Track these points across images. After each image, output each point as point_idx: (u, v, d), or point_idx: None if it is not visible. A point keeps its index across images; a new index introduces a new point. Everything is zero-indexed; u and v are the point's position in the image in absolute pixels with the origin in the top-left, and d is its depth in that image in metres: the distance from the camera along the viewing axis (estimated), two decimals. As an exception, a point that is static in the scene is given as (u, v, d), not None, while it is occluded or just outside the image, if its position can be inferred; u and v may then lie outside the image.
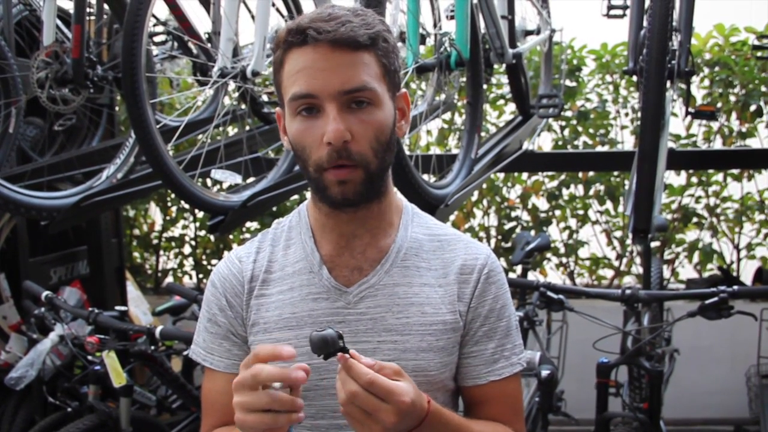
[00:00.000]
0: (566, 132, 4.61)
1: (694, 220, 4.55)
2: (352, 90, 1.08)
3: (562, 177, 4.59)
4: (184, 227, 4.85)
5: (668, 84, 2.72)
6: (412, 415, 1.01)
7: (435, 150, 4.49)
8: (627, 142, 4.58)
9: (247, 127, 3.38)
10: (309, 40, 1.08)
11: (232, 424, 1.16)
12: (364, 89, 1.09)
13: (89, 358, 2.44)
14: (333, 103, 1.08)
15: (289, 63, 1.11)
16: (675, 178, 4.53)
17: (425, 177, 2.59)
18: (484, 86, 3.10)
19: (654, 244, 4.27)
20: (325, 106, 1.08)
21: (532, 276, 4.31)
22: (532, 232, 4.31)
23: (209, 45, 2.65)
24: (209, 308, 1.23)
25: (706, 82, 4.45)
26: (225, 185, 2.67)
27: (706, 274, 4.54)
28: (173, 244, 4.88)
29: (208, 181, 3.67)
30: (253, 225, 4.54)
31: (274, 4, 2.94)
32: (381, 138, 1.12)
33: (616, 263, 4.67)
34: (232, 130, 3.90)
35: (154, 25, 3.29)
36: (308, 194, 1.26)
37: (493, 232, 4.68)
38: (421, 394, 1.03)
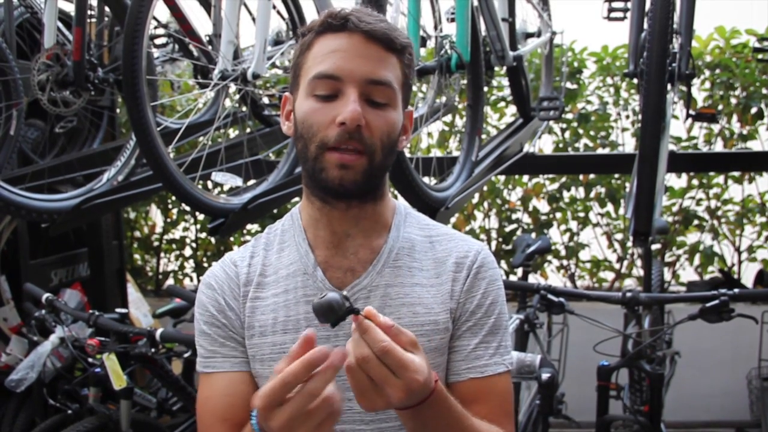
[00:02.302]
0: (567, 134, 4.61)
1: (695, 222, 4.55)
2: (377, 81, 1.11)
3: (563, 179, 4.59)
4: (185, 229, 4.86)
5: (669, 86, 2.71)
6: (420, 394, 0.96)
7: (435, 152, 4.49)
8: (628, 144, 4.58)
9: (248, 130, 3.39)
10: (349, 26, 1.11)
11: (236, 428, 1.13)
12: (388, 85, 1.12)
13: (89, 360, 2.44)
14: (355, 89, 1.09)
15: (319, 45, 1.13)
16: (676, 181, 4.53)
17: (426, 180, 2.59)
18: (485, 89, 3.10)
19: (655, 247, 4.27)
20: (346, 91, 1.10)
21: (533, 279, 4.32)
22: (533, 235, 4.30)
23: (210, 47, 2.65)
24: (206, 311, 1.19)
25: (707, 85, 4.45)
26: (225, 188, 2.68)
27: (707, 277, 4.54)
28: (174, 246, 4.89)
29: (209, 184, 3.67)
30: (253, 227, 4.54)
31: (274, 7, 2.94)
32: (391, 136, 1.14)
33: (616, 266, 4.67)
34: (232, 133, 3.90)
35: (155, 28, 3.30)
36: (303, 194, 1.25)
37: (493, 234, 4.67)
38: (432, 372, 0.98)
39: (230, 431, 1.14)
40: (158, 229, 4.88)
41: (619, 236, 4.63)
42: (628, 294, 2.44)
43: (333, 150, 1.10)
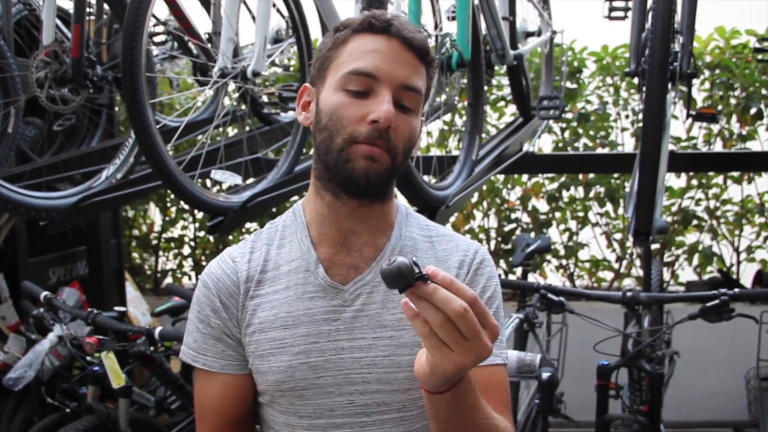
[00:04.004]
0: (567, 134, 4.61)
1: (694, 222, 4.55)
2: (409, 87, 1.14)
3: (563, 179, 4.59)
4: (184, 228, 4.85)
5: (669, 86, 2.71)
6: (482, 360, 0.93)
7: (435, 151, 4.48)
8: (627, 144, 4.58)
9: (247, 128, 3.38)
10: (391, 30, 1.14)
11: (229, 428, 1.18)
12: (417, 92, 1.16)
13: (88, 358, 2.44)
14: (389, 90, 1.12)
15: (357, 42, 1.15)
16: (675, 181, 4.53)
17: (426, 178, 2.58)
18: (485, 88, 3.10)
19: (654, 247, 4.26)
20: (380, 91, 1.12)
21: (532, 278, 4.31)
22: (532, 234, 4.30)
23: (209, 45, 2.64)
24: (201, 309, 1.21)
25: (707, 85, 4.45)
26: (225, 186, 2.67)
27: (705, 277, 4.54)
28: (172, 244, 4.88)
29: (208, 182, 3.66)
30: (252, 226, 4.53)
31: (274, 5, 2.93)
32: (411, 141, 1.17)
33: (615, 265, 4.67)
34: (232, 131, 3.89)
35: (155, 25, 3.29)
36: (308, 190, 1.25)
37: (493, 233, 4.67)
38: None
39: (224, 422, 1.19)
40: (157, 228, 4.87)
41: (618, 236, 4.64)
42: (629, 293, 2.44)
43: (361, 143, 1.12)
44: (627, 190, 4.31)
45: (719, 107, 4.38)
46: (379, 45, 1.14)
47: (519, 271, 3.32)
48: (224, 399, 1.18)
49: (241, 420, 1.21)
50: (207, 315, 1.20)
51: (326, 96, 1.16)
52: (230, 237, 4.60)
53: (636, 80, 3.49)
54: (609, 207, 4.60)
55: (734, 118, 4.44)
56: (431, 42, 2.56)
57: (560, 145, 4.61)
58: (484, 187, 4.36)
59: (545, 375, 2.35)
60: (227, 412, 1.18)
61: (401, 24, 1.15)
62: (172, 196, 4.36)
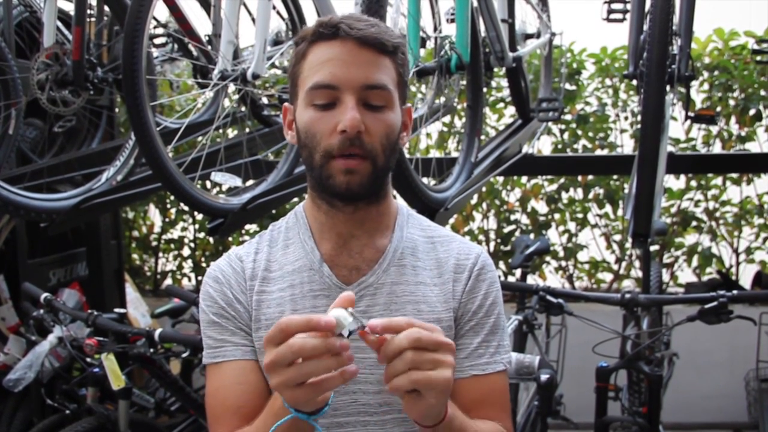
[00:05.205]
0: (566, 136, 4.62)
1: (693, 223, 4.55)
2: (372, 86, 1.13)
3: (562, 180, 4.59)
4: (183, 229, 4.85)
5: (668, 88, 2.71)
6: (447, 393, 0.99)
7: (435, 153, 4.49)
8: (626, 145, 4.58)
9: (247, 130, 3.38)
10: (340, 34, 1.12)
11: (247, 424, 1.12)
12: (383, 88, 1.14)
13: (88, 360, 2.44)
14: (352, 95, 1.12)
15: (313, 54, 1.15)
16: (674, 182, 4.53)
17: (425, 180, 2.59)
18: (484, 89, 3.10)
19: (653, 248, 4.27)
20: (343, 98, 1.12)
21: (531, 280, 4.32)
22: (532, 236, 4.30)
23: (209, 47, 2.64)
24: (214, 303, 1.20)
25: (706, 86, 4.46)
26: (225, 188, 2.68)
27: (705, 278, 4.54)
28: (172, 246, 4.88)
29: (208, 184, 3.66)
30: (252, 227, 4.54)
31: (274, 7, 2.94)
32: (391, 137, 1.16)
33: (615, 267, 4.67)
34: (232, 133, 3.90)
35: (155, 27, 3.30)
36: (307, 196, 1.26)
37: (492, 235, 4.68)
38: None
39: (242, 421, 1.13)
40: (156, 229, 4.87)
41: (617, 237, 4.64)
42: (627, 295, 2.44)
43: (338, 158, 1.12)
44: (626, 191, 4.32)
45: (718, 109, 4.39)
46: (334, 51, 1.13)
47: (518, 272, 3.32)
48: (242, 389, 1.15)
49: (257, 414, 1.16)
50: (221, 307, 1.19)
51: (300, 114, 1.17)
52: (230, 239, 4.61)
53: (635, 82, 3.49)
54: (608, 208, 4.60)
55: (733, 119, 4.45)
56: (430, 44, 2.56)
57: (559, 146, 4.62)
58: (484, 189, 4.36)
59: (544, 377, 2.36)
60: (243, 411, 1.13)
61: (350, 24, 1.13)
62: (172, 197, 4.36)
